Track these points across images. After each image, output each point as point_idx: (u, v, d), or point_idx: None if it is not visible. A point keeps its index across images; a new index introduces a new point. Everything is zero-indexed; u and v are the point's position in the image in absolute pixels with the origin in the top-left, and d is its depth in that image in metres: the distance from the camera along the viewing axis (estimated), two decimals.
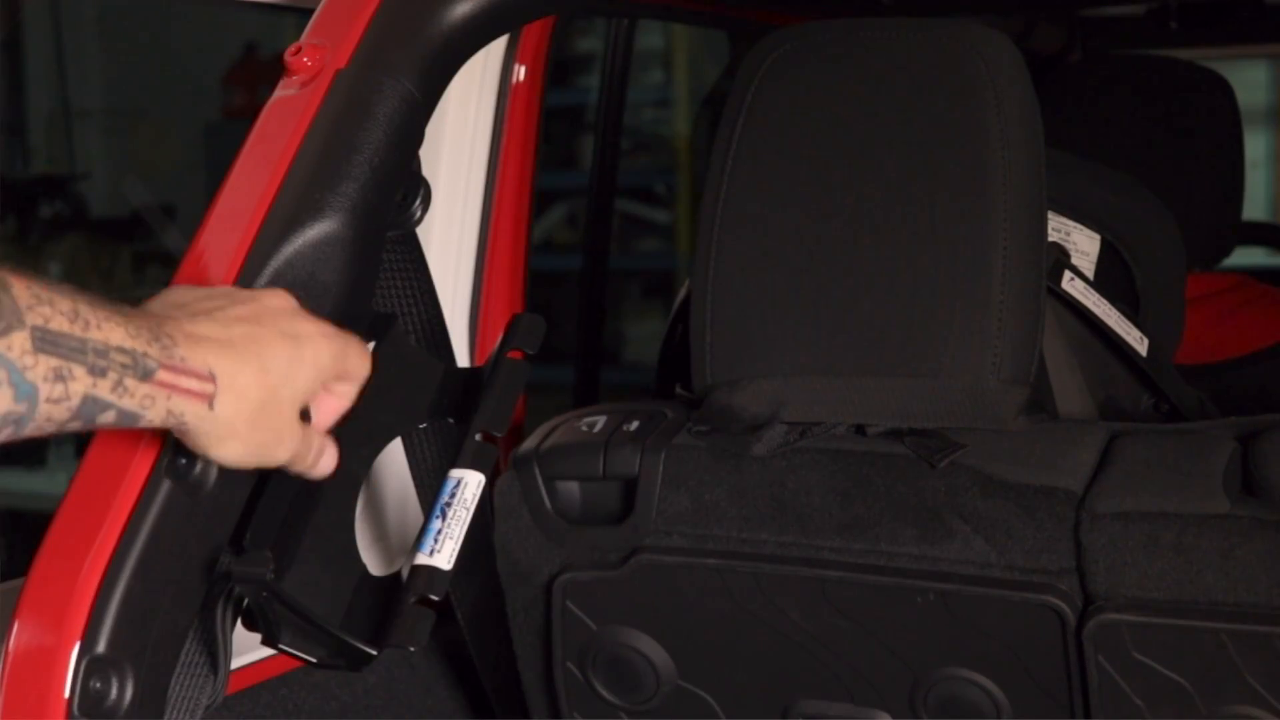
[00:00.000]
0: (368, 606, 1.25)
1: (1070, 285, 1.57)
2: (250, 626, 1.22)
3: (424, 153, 1.42)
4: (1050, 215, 1.55)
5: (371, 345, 1.32)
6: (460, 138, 1.90)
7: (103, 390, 0.98)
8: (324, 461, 1.16)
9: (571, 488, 1.55)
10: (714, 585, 1.47)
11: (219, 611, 1.21)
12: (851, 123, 1.45)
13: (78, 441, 1.19)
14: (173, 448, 1.17)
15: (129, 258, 6.17)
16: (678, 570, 1.48)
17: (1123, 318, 1.61)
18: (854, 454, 1.44)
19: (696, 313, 1.48)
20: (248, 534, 1.21)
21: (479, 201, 1.93)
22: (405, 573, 1.24)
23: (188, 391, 1.02)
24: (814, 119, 1.46)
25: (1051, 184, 1.45)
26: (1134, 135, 2.14)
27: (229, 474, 1.20)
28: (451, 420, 1.34)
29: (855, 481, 1.43)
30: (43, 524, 1.18)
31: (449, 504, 1.24)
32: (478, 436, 1.27)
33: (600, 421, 1.55)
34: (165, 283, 1.20)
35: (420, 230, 1.45)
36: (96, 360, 0.98)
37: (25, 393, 0.94)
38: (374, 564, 1.32)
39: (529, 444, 1.57)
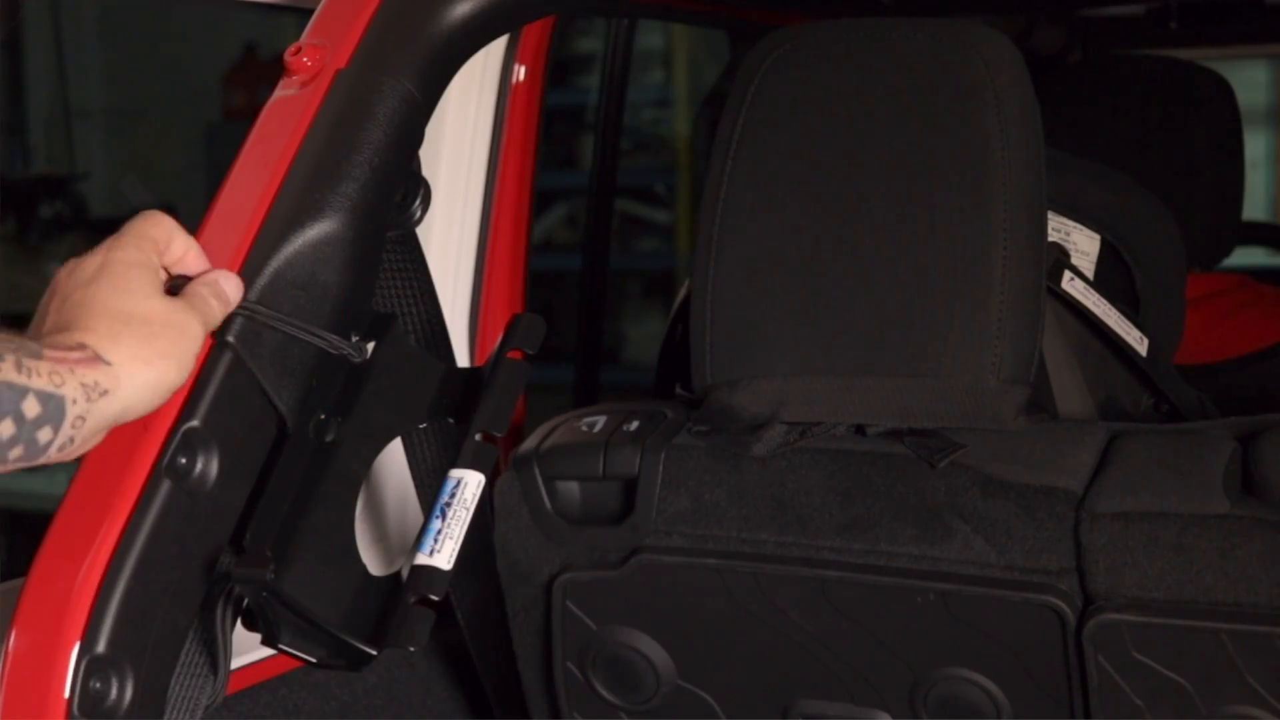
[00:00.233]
0: (368, 606, 1.25)
1: (1070, 285, 1.57)
2: (250, 626, 1.22)
3: (424, 153, 1.42)
4: (1050, 215, 1.55)
5: (371, 345, 1.32)
6: (460, 138, 1.90)
7: (8, 373, 1.00)
8: (227, 292, 1.19)
9: (571, 488, 1.55)
10: (714, 585, 1.47)
11: (219, 611, 1.21)
12: (851, 122, 1.45)
13: None
14: (173, 448, 1.17)
15: None
16: (678, 570, 1.48)
17: (1123, 318, 1.61)
18: (854, 454, 1.44)
19: (696, 313, 1.48)
20: (248, 534, 1.21)
21: (479, 201, 1.93)
22: (405, 573, 1.24)
23: (81, 361, 1.05)
24: (814, 119, 1.46)
25: (1051, 184, 1.45)
26: (1134, 135, 2.14)
27: (229, 474, 1.20)
28: (451, 420, 1.34)
29: (855, 481, 1.43)
30: (42, 524, 1.18)
31: (449, 504, 1.24)
32: (478, 436, 1.27)
33: (600, 421, 1.55)
34: None
35: (420, 230, 1.45)
36: None
37: None
38: (374, 564, 1.32)
39: (529, 444, 1.57)
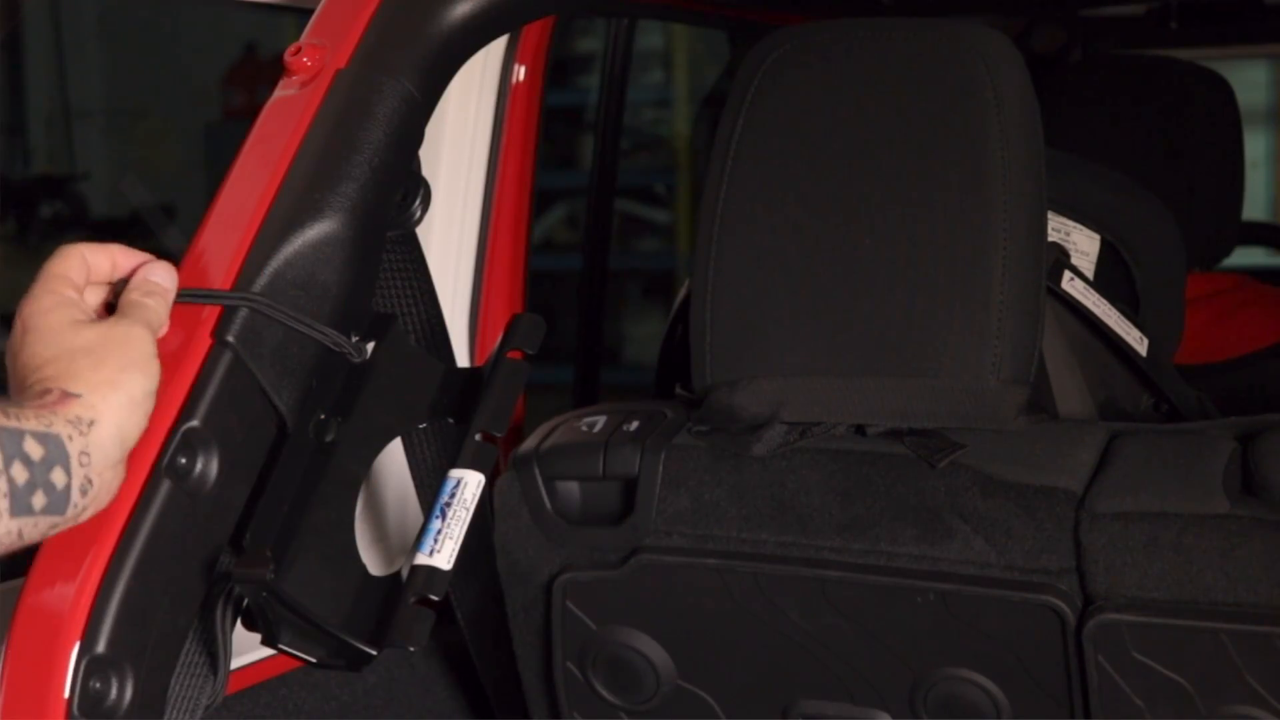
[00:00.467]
0: (368, 606, 1.25)
1: (1070, 285, 1.57)
2: (250, 626, 1.22)
3: (424, 153, 1.42)
4: (1050, 215, 1.55)
5: (371, 345, 1.32)
6: (460, 138, 1.90)
7: None
8: (159, 283, 1.19)
9: (571, 488, 1.55)
10: (714, 585, 1.47)
11: (219, 611, 1.21)
12: (851, 123, 1.45)
13: None
14: (173, 448, 1.17)
15: None
16: (678, 570, 1.48)
17: (1122, 318, 1.61)
18: (854, 454, 1.44)
19: (696, 313, 1.48)
20: (248, 534, 1.21)
21: (479, 201, 1.93)
22: (405, 573, 1.24)
23: (56, 402, 1.07)
24: (814, 119, 1.46)
25: (1051, 184, 1.45)
26: (1134, 135, 2.14)
27: (229, 474, 1.20)
28: (451, 420, 1.34)
29: (855, 481, 1.43)
30: None
31: (449, 504, 1.24)
32: (478, 436, 1.27)
33: (600, 421, 1.55)
34: None
35: (420, 230, 1.45)
36: None
37: None
38: (374, 564, 1.32)
39: (529, 444, 1.57)
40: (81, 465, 1.05)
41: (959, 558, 1.39)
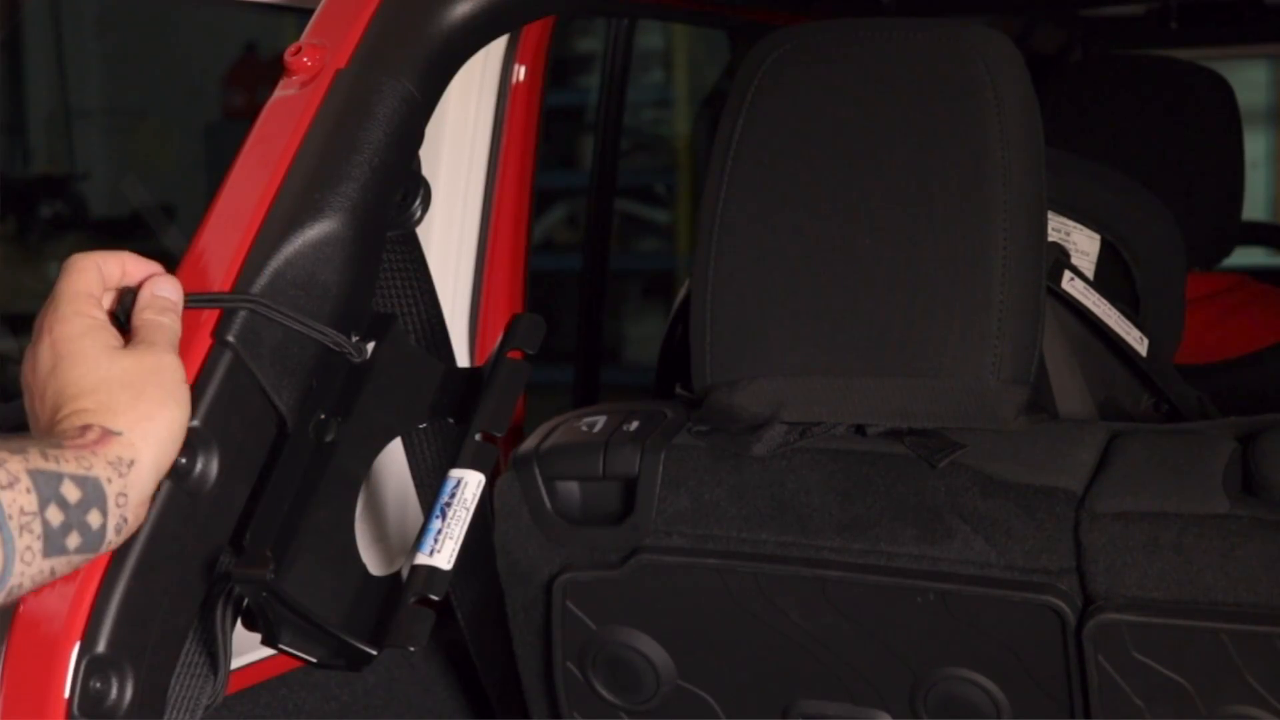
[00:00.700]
0: (368, 606, 1.25)
1: (1070, 285, 1.57)
2: (250, 626, 1.22)
3: (424, 153, 1.42)
4: (1050, 215, 1.55)
5: (371, 345, 1.32)
6: (460, 138, 1.90)
7: (37, 461, 1.00)
8: (168, 298, 1.18)
9: (571, 488, 1.55)
10: (714, 585, 1.47)
11: (219, 611, 1.21)
12: (851, 123, 1.45)
13: None
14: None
15: None
16: (678, 570, 1.48)
17: (1123, 318, 1.61)
18: (854, 454, 1.44)
19: (696, 313, 1.48)
20: (248, 534, 1.21)
21: (479, 201, 1.93)
22: (405, 573, 1.24)
23: (97, 442, 1.06)
24: (814, 119, 1.46)
25: (1051, 184, 1.45)
26: (1134, 135, 2.14)
27: (229, 474, 1.20)
28: (451, 420, 1.34)
29: (855, 481, 1.43)
30: None
31: (449, 504, 1.24)
32: (478, 436, 1.27)
33: (600, 421, 1.55)
34: None
35: (420, 230, 1.45)
36: (7, 444, 1.01)
37: None
38: (374, 564, 1.32)
39: (529, 444, 1.57)
40: (119, 506, 1.05)
41: (959, 558, 1.39)
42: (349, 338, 1.30)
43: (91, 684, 1.12)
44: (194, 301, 1.22)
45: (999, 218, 1.39)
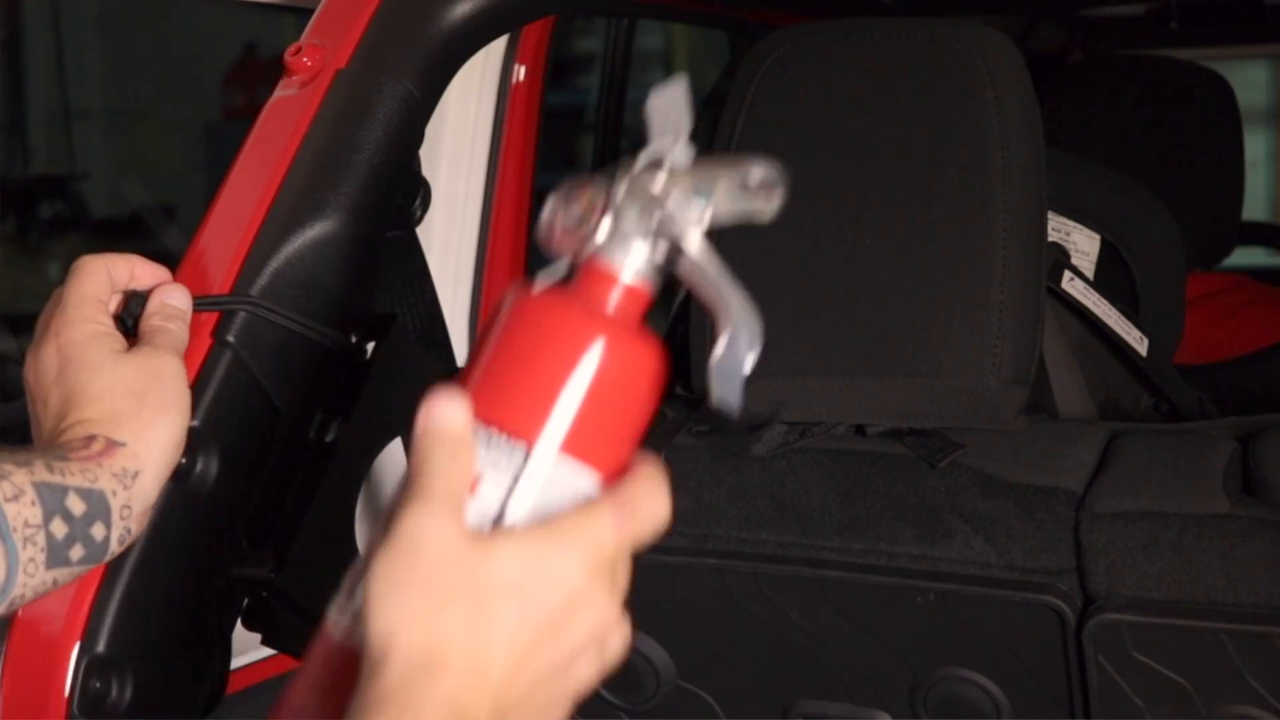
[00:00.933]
0: None
1: (1070, 285, 1.57)
2: (250, 626, 1.22)
3: (424, 153, 1.42)
4: (1050, 215, 1.55)
5: (371, 345, 1.32)
6: (460, 138, 1.90)
7: (42, 473, 1.00)
8: (178, 306, 1.17)
9: None
10: (714, 585, 1.47)
11: (219, 611, 1.21)
12: (851, 123, 1.45)
13: None
14: None
15: None
16: (678, 570, 1.48)
17: (1123, 318, 1.61)
18: (854, 454, 1.44)
19: (696, 313, 1.48)
20: (248, 534, 1.21)
21: (479, 201, 1.93)
22: None
23: (102, 454, 1.05)
24: (814, 119, 1.46)
25: (1051, 184, 1.45)
26: (1134, 135, 2.14)
27: (229, 474, 1.20)
28: None
29: (855, 481, 1.43)
30: None
31: None
32: None
33: None
34: None
35: (420, 230, 1.45)
36: (14, 456, 1.01)
37: None
38: None
39: None
40: (123, 518, 1.05)
41: (959, 558, 1.39)
42: (349, 338, 1.30)
43: (91, 684, 1.12)
44: (195, 305, 1.22)
45: (999, 218, 1.39)
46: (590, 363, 0.88)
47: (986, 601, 1.38)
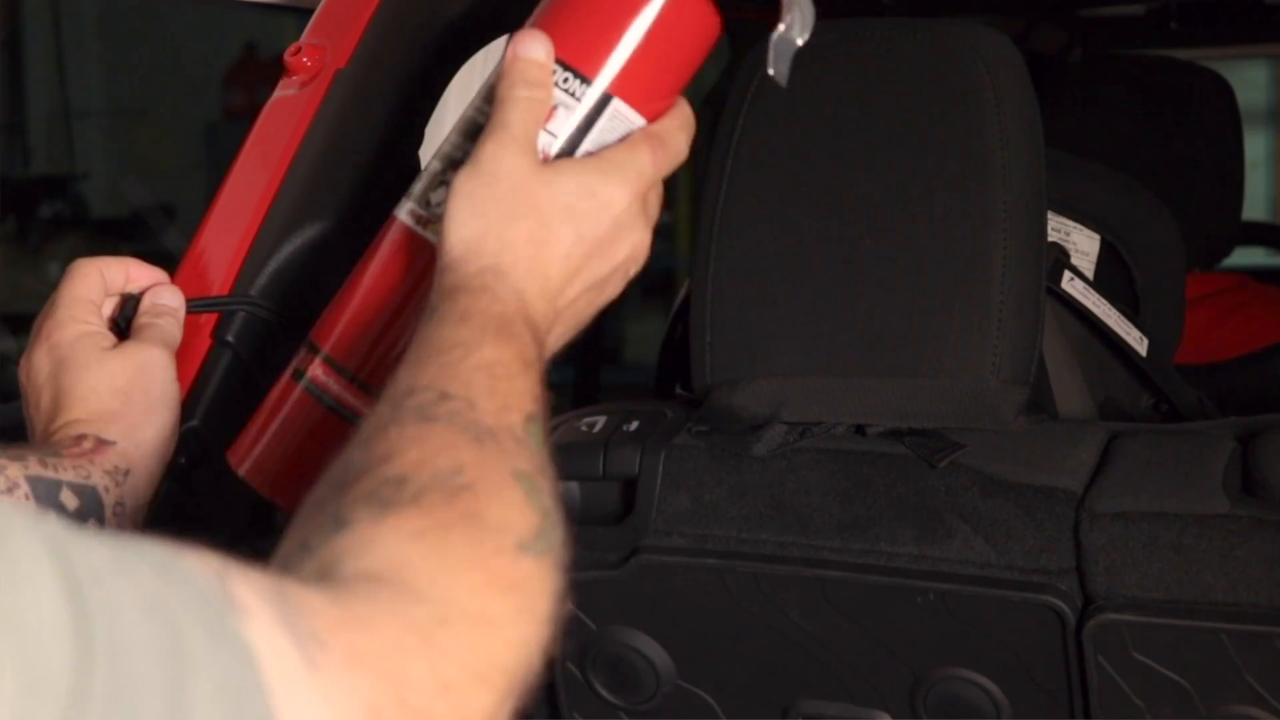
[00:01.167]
0: None
1: (1070, 285, 1.57)
2: None
3: (424, 153, 1.42)
4: (1050, 215, 1.55)
5: None
6: None
7: (35, 468, 1.00)
8: (170, 306, 1.17)
9: (571, 488, 1.55)
10: (714, 585, 1.47)
11: None
12: (851, 123, 1.45)
13: None
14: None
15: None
16: (678, 570, 1.48)
17: (1122, 318, 1.61)
18: (854, 454, 1.44)
19: (696, 313, 1.48)
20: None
21: None
22: None
23: (94, 451, 1.06)
24: (814, 119, 1.46)
25: (1051, 184, 1.45)
26: (1134, 135, 2.14)
27: (229, 474, 1.20)
28: None
29: (855, 481, 1.43)
30: None
31: None
32: None
33: (600, 421, 1.55)
34: None
35: None
36: (7, 451, 1.01)
37: None
38: None
39: None
40: (116, 515, 1.05)
41: (959, 558, 1.39)
42: None
43: None
44: (194, 306, 1.22)
45: (999, 218, 1.39)
46: (661, 12, 1.03)
47: (986, 601, 1.38)
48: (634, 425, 1.53)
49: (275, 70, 1.39)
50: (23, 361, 1.13)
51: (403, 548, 0.73)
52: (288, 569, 0.71)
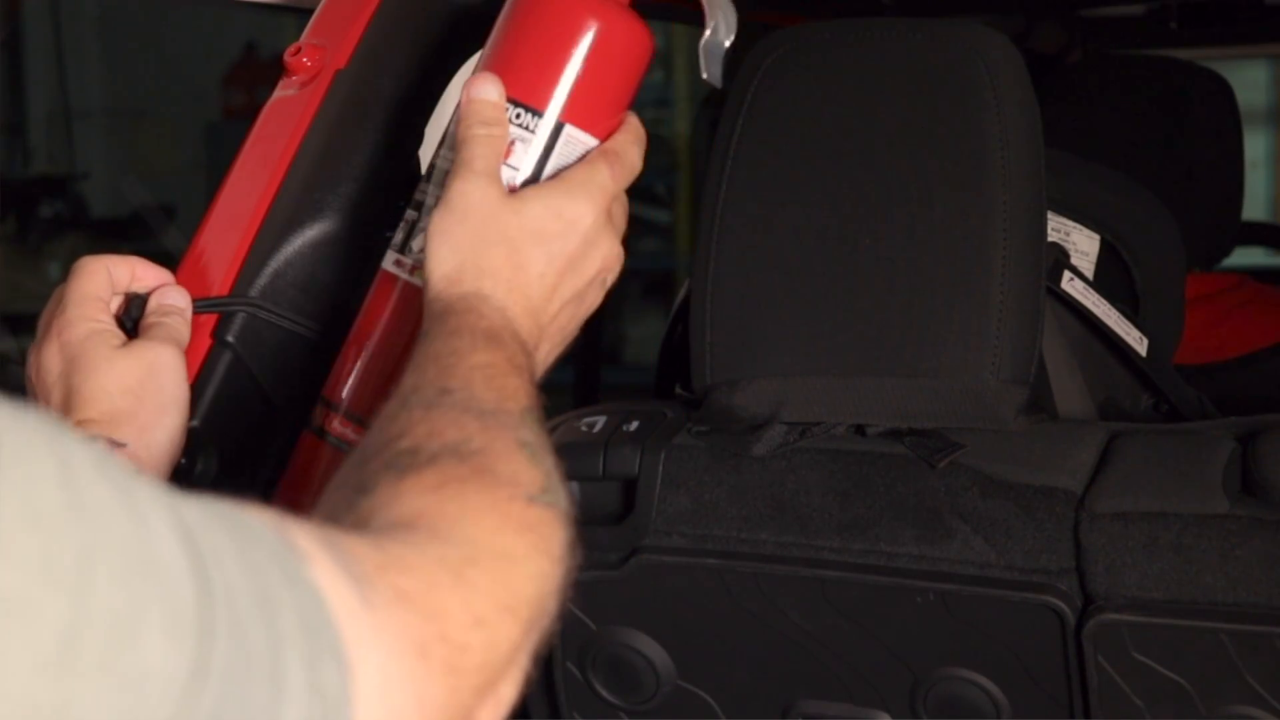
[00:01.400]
0: None
1: (1070, 285, 1.57)
2: None
3: (424, 153, 1.42)
4: (1050, 215, 1.55)
5: None
6: None
7: None
8: (178, 305, 1.18)
9: (571, 488, 1.54)
10: (714, 585, 1.47)
11: None
12: (851, 123, 1.45)
13: None
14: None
15: None
16: (677, 570, 1.48)
17: (1122, 318, 1.61)
18: (854, 454, 1.44)
19: (696, 313, 1.48)
20: None
21: None
22: None
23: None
24: (813, 119, 1.46)
25: (1051, 184, 1.45)
26: (1134, 135, 2.14)
27: (229, 474, 1.20)
28: None
29: (855, 481, 1.43)
30: None
31: None
32: None
33: (600, 421, 1.55)
34: None
35: None
36: None
37: None
38: None
39: None
40: None
41: (959, 558, 1.39)
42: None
43: None
44: (201, 306, 1.22)
45: (999, 218, 1.39)
46: (596, 38, 1.11)
47: (986, 601, 1.38)
48: (634, 425, 1.53)
49: (275, 70, 1.39)
50: (31, 358, 1.12)
51: (425, 498, 0.80)
52: None
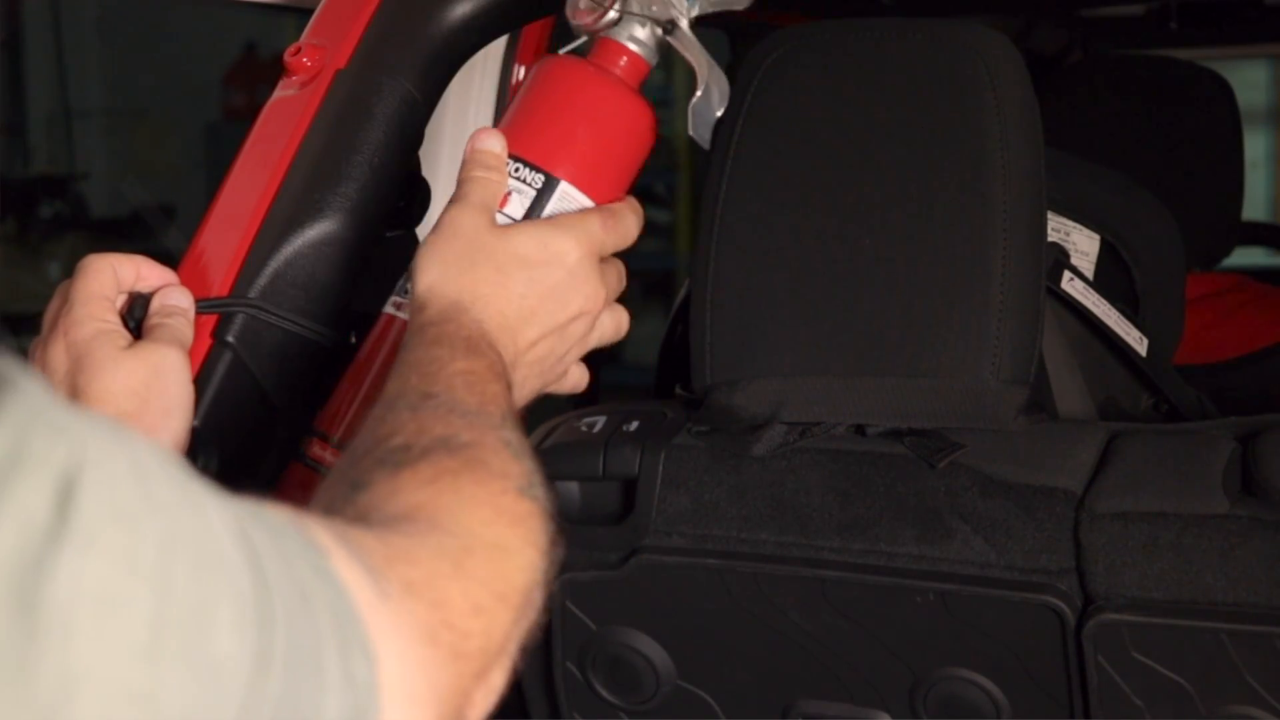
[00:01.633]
0: None
1: (1070, 285, 1.57)
2: None
3: (424, 153, 1.42)
4: (1050, 215, 1.55)
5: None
6: (460, 138, 1.90)
7: None
8: (181, 306, 1.19)
9: (571, 488, 1.55)
10: (714, 585, 1.47)
11: None
12: (851, 123, 1.45)
13: None
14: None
15: None
16: (677, 570, 1.48)
17: (1122, 318, 1.61)
18: (854, 454, 1.44)
19: (696, 313, 1.48)
20: None
21: None
22: None
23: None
24: (813, 119, 1.46)
25: (1051, 184, 1.45)
26: (1134, 135, 2.14)
27: (229, 475, 1.20)
28: None
29: (855, 481, 1.43)
30: None
31: None
32: None
33: (600, 421, 1.55)
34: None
35: (420, 230, 1.45)
36: None
37: None
38: None
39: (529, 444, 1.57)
40: None
41: (959, 558, 1.39)
42: (348, 338, 1.30)
43: None
44: (203, 307, 1.22)
45: (999, 218, 1.39)
46: (601, 110, 1.19)
47: (986, 601, 1.38)
48: (634, 425, 1.53)
49: (275, 70, 1.39)
50: (37, 355, 1.13)
51: (422, 491, 0.83)
52: None
